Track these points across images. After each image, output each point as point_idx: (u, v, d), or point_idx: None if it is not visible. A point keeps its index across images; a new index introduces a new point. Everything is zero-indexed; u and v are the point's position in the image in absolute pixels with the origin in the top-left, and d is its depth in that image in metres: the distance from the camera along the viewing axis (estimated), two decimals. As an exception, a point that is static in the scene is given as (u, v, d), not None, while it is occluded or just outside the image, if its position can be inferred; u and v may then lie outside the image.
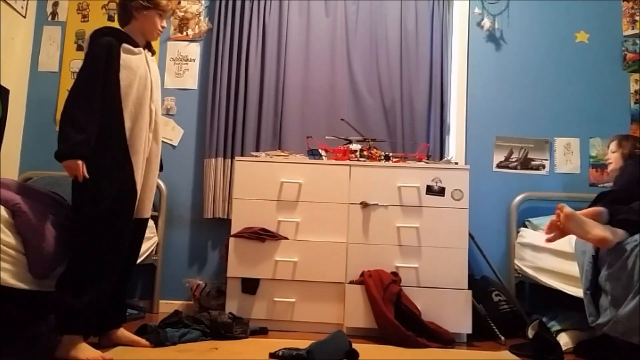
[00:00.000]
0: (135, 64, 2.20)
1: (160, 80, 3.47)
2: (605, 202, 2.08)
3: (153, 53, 2.39)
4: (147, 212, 2.34)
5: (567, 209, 1.91)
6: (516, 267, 3.10)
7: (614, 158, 2.79)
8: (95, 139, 2.07)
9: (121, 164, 2.14)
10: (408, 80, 3.41)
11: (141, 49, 2.26)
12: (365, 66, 3.45)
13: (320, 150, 2.99)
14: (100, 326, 2.24)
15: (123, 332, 2.28)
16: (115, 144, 2.13)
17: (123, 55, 2.17)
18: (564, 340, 2.52)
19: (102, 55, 2.12)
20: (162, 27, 2.33)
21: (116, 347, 2.21)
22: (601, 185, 3.34)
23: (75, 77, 2.20)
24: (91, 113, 2.06)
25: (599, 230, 1.88)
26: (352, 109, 3.41)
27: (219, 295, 2.99)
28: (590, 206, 2.09)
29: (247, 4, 3.42)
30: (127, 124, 2.16)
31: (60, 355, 2.01)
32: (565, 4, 3.46)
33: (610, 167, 2.84)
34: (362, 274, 2.73)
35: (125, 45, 2.19)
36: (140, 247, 2.41)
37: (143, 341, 2.27)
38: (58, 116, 3.45)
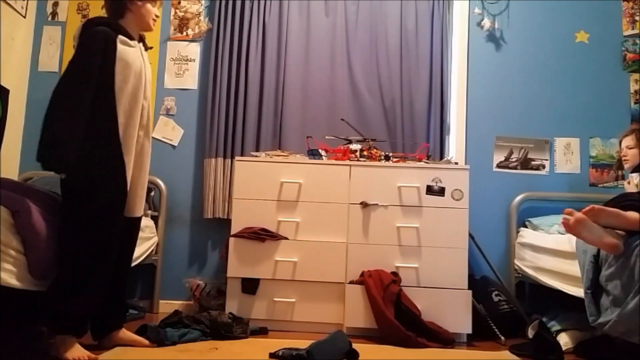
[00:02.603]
0: (132, 58, 2.15)
1: (160, 80, 3.51)
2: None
3: (147, 48, 2.33)
4: (139, 210, 2.29)
5: (578, 214, 1.90)
6: (516, 267, 3.10)
7: (631, 154, 2.69)
8: (85, 137, 2.01)
9: (113, 162, 2.10)
10: (408, 80, 3.41)
11: (136, 42, 2.22)
12: (365, 66, 3.45)
13: (320, 150, 2.99)
14: (100, 329, 2.24)
15: (125, 333, 2.28)
16: (108, 142, 2.09)
17: (120, 47, 2.11)
18: (564, 340, 2.52)
19: (98, 48, 2.05)
20: (157, 15, 2.29)
21: (116, 347, 2.20)
22: (601, 185, 3.34)
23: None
24: (78, 115, 1.99)
25: (612, 238, 1.88)
26: (352, 109, 3.41)
27: (219, 295, 2.99)
28: (615, 205, 2.03)
29: (247, 4, 3.42)
30: (121, 120, 2.11)
31: (54, 353, 2.02)
32: (565, 4, 3.46)
33: (627, 165, 2.74)
34: (362, 274, 2.73)
35: (121, 37, 2.13)
36: (134, 246, 2.37)
37: (144, 341, 2.27)
38: (58, 116, 3.46)
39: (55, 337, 2.05)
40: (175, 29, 3.53)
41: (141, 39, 2.30)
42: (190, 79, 3.50)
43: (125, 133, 2.12)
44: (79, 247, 2.04)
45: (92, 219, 2.05)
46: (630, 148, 2.72)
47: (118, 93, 2.10)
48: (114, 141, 2.10)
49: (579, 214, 1.90)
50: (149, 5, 2.24)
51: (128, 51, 2.14)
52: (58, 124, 1.96)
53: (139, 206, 2.28)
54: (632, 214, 1.95)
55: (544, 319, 2.63)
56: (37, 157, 1.95)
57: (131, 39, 2.18)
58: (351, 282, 2.74)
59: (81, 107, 2.01)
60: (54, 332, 2.05)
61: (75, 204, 2.06)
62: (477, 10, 3.45)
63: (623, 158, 2.79)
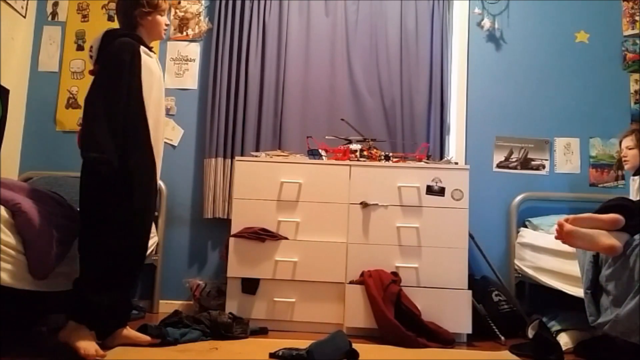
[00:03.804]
0: (154, 67, 2.26)
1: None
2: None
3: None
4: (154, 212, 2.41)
5: (567, 226, 1.89)
6: (516, 267, 3.11)
7: (631, 155, 2.68)
8: (124, 141, 2.10)
9: (148, 164, 2.20)
10: (408, 80, 3.41)
11: (153, 53, 2.31)
12: (365, 66, 3.45)
13: (320, 150, 2.99)
14: (105, 328, 2.23)
15: (129, 331, 2.27)
16: (142, 145, 2.18)
17: (144, 57, 2.20)
18: (564, 340, 2.52)
19: (126, 58, 2.13)
20: (167, 24, 2.39)
21: (117, 347, 2.20)
22: (601, 185, 3.34)
23: (97, 78, 2.17)
24: (114, 119, 2.08)
25: (607, 239, 1.87)
26: (352, 109, 3.41)
27: (219, 295, 2.99)
28: (606, 211, 2.03)
29: (247, 4, 3.42)
30: (151, 125, 2.21)
31: (62, 338, 2.05)
32: (565, 4, 3.46)
33: (628, 166, 2.74)
34: (362, 274, 2.73)
35: (143, 48, 2.22)
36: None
37: (148, 338, 2.27)
38: (58, 116, 3.47)
39: (68, 320, 2.07)
40: (175, 29, 3.53)
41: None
42: (190, 79, 3.50)
43: (155, 138, 2.23)
44: (117, 246, 2.10)
45: (134, 219, 2.15)
46: (630, 149, 2.72)
47: (146, 100, 2.19)
48: (147, 146, 2.20)
49: (568, 227, 1.89)
50: (158, 17, 2.32)
51: (150, 61, 2.24)
52: (97, 131, 2.05)
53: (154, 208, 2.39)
54: (607, 215, 1.94)
55: (544, 319, 2.63)
56: (83, 161, 2.07)
57: (149, 49, 2.28)
58: (351, 282, 2.74)
59: (117, 111, 2.09)
60: (70, 317, 2.07)
61: (116, 204, 2.11)
62: (477, 10, 3.45)
63: (623, 159, 2.79)
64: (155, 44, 3.47)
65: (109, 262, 2.09)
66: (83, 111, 2.14)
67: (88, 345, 2.03)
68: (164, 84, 2.36)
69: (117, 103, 2.10)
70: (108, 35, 2.21)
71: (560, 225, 1.89)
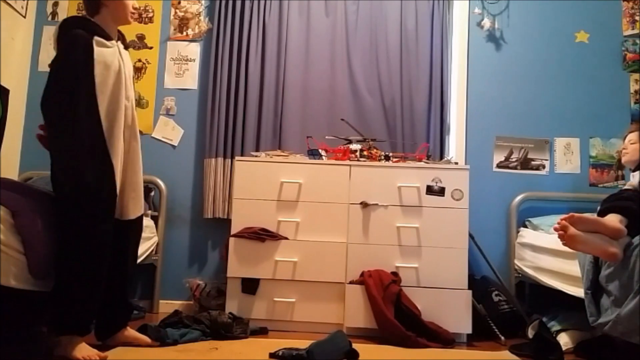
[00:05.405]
0: (109, 59, 2.11)
1: (160, 80, 3.51)
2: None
3: (126, 47, 2.28)
4: (133, 212, 2.24)
5: (572, 230, 1.89)
6: (516, 267, 3.10)
7: (632, 149, 2.67)
8: (73, 145, 2.02)
9: (102, 167, 2.07)
10: (408, 80, 3.41)
11: (114, 41, 2.17)
12: (365, 66, 3.45)
13: (320, 150, 2.99)
14: (106, 329, 2.24)
15: (129, 331, 2.27)
16: (95, 147, 2.05)
17: (96, 50, 2.07)
18: (564, 340, 2.52)
19: (80, 57, 2.03)
20: (135, 8, 2.25)
21: (117, 347, 2.20)
22: (601, 185, 3.34)
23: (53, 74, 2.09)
24: (85, 137, 2.02)
25: (610, 247, 1.87)
26: (352, 109, 3.41)
27: (219, 295, 2.99)
28: (602, 211, 2.02)
29: (247, 4, 3.42)
30: (104, 123, 2.08)
31: (58, 353, 2.02)
32: (565, 4, 3.46)
33: (625, 158, 2.73)
34: (362, 274, 2.73)
35: (97, 39, 2.09)
36: (135, 249, 2.36)
37: (147, 339, 2.27)
38: (58, 116, 3.45)
39: (59, 337, 2.04)
40: (175, 29, 3.53)
41: (120, 37, 2.26)
42: (190, 79, 3.50)
43: (110, 136, 2.09)
44: (73, 252, 2.03)
45: (84, 225, 2.03)
46: (632, 143, 2.72)
47: (99, 96, 2.07)
48: (100, 146, 2.07)
49: (571, 230, 1.88)
50: (126, 1, 2.19)
51: (105, 52, 2.10)
52: (75, 159, 2.01)
53: (132, 208, 2.23)
54: (610, 220, 1.94)
55: (544, 319, 2.63)
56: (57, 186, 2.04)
57: (108, 38, 2.14)
58: (351, 282, 2.74)
59: (83, 125, 2.03)
60: (58, 333, 2.04)
61: (69, 211, 2.04)
62: (477, 10, 3.45)
63: (623, 151, 2.79)
64: (155, 44, 3.50)
65: (70, 269, 2.01)
66: (46, 120, 2.04)
67: (86, 351, 2.01)
68: (125, 75, 2.16)
69: (81, 114, 2.01)
70: (64, 25, 2.09)
71: (564, 228, 1.89)
